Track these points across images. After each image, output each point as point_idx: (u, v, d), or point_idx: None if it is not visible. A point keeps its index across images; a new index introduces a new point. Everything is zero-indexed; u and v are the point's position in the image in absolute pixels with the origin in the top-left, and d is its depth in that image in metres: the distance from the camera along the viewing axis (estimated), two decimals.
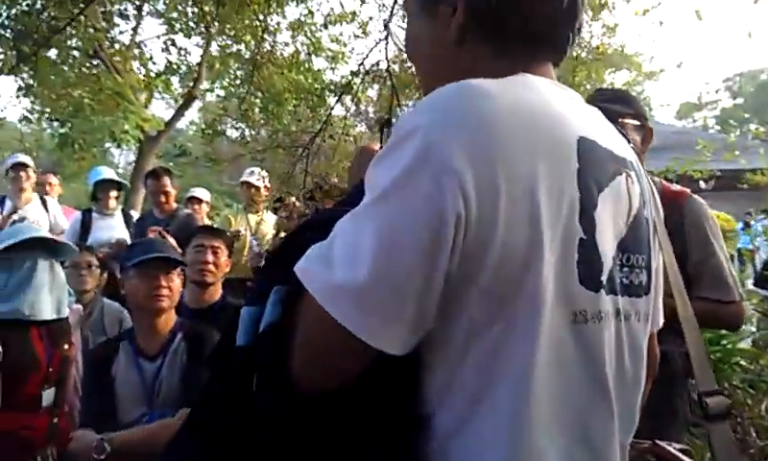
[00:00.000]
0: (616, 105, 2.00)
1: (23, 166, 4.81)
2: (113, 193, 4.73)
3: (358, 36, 7.99)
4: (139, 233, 4.41)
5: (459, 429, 0.74)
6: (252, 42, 5.87)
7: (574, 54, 5.03)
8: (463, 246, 0.69)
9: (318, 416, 0.73)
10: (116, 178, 4.89)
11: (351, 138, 5.09)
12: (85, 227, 4.58)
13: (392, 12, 4.20)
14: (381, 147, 1.07)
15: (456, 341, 0.73)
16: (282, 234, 4.47)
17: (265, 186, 5.11)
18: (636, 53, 18.02)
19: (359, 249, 0.68)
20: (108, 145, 9.97)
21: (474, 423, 0.73)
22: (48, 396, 2.35)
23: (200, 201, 5.57)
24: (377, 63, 4.62)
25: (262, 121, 5.45)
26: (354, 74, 4.53)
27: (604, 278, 0.79)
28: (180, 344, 2.35)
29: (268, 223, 5.06)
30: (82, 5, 7.53)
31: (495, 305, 0.72)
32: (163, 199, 4.56)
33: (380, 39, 4.20)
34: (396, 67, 4.63)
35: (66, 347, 2.44)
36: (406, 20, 0.96)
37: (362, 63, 4.52)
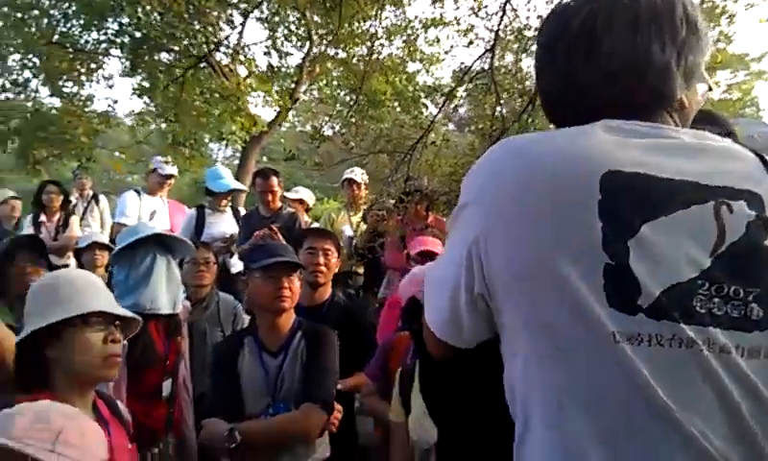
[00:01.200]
0: (699, 125, 1.92)
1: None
2: (229, 195, 5.04)
3: (454, 46, 8.03)
4: (246, 229, 4.64)
5: (521, 440, 0.92)
6: (356, 48, 6.03)
7: None
8: (483, 273, 0.93)
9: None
10: (234, 186, 5.19)
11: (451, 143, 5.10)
12: (199, 223, 4.89)
13: (500, 19, 4.19)
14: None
15: (505, 353, 0.96)
16: (372, 234, 4.56)
17: (366, 184, 5.22)
18: (745, 53, 16.93)
19: (429, 296, 1.13)
20: (207, 142, 10.55)
21: (526, 436, 0.90)
22: (167, 386, 2.50)
23: (302, 201, 5.78)
24: (482, 69, 4.62)
25: (364, 125, 5.59)
26: (459, 81, 4.55)
27: (643, 302, 0.81)
28: (300, 342, 2.46)
29: (359, 221, 5.19)
30: (192, 12, 8.02)
31: (518, 333, 0.91)
32: (270, 198, 4.77)
33: (487, 49, 4.20)
34: (503, 72, 4.62)
35: (179, 339, 2.61)
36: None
37: (467, 71, 4.54)
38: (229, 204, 5.19)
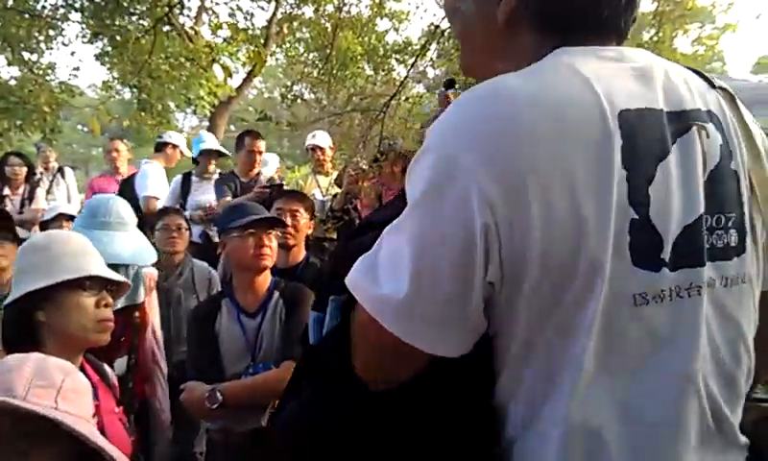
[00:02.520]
0: None
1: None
2: (213, 159, 4.96)
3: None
4: (220, 193, 4.58)
5: (526, 427, 0.79)
6: (324, 6, 5.90)
7: (660, 9, 4.81)
8: (501, 255, 0.72)
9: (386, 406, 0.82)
10: (219, 147, 5.10)
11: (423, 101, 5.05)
12: (185, 189, 4.82)
13: None
14: (442, 108, 1.09)
15: (514, 346, 0.78)
16: (347, 196, 4.54)
17: (330, 147, 5.18)
18: (713, 3, 17.01)
19: (398, 260, 0.74)
20: (172, 110, 10.32)
21: (537, 422, 0.78)
22: (120, 364, 2.42)
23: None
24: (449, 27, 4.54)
25: (336, 85, 5.50)
26: (431, 36, 4.48)
27: (665, 254, 0.76)
28: (277, 301, 2.46)
29: (331, 182, 5.13)
30: None
31: (547, 308, 0.74)
32: (257, 159, 4.72)
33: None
34: None
35: (137, 314, 2.57)
36: None
37: (437, 26, 4.48)
38: (217, 171, 5.09)
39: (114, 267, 2.19)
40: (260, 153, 4.74)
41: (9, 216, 2.54)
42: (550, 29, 0.85)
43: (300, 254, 3.15)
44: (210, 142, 5.08)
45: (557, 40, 0.83)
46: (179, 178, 5.03)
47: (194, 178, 4.93)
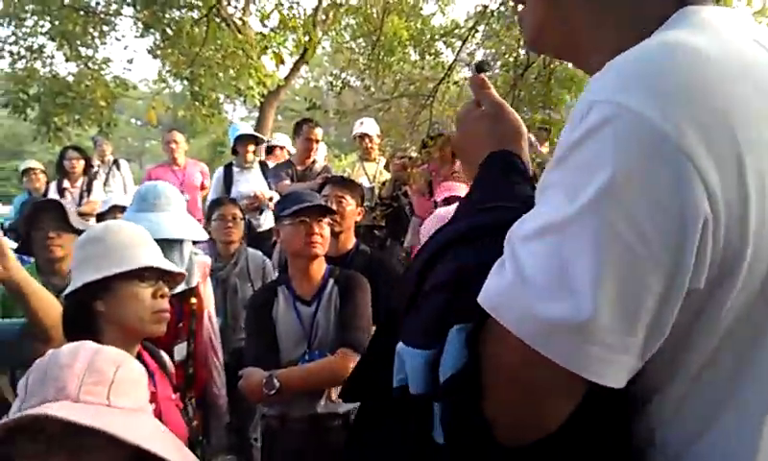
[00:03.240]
0: None
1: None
2: (251, 147, 5.03)
3: None
4: (277, 179, 4.67)
5: (694, 441, 0.66)
6: None
7: None
8: (711, 256, 0.57)
9: None
10: (253, 132, 5.18)
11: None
12: (228, 181, 4.92)
13: None
14: (477, 95, 0.92)
15: (696, 359, 0.64)
16: (396, 183, 4.51)
17: (378, 134, 5.17)
18: None
19: (571, 273, 0.57)
20: (222, 102, 10.48)
21: (714, 432, 0.65)
22: (180, 350, 2.49)
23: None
24: (498, 8, 4.45)
25: (383, 71, 5.48)
26: (480, 16, 4.39)
27: None
28: (332, 288, 2.46)
29: (381, 170, 5.15)
30: None
31: (745, 309, 0.61)
32: (314, 147, 4.78)
33: None
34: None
35: (194, 301, 2.61)
36: None
37: (486, 6, 4.38)
38: (257, 159, 5.17)
39: (167, 247, 2.24)
40: (317, 141, 4.79)
41: (63, 207, 2.62)
42: None
43: (350, 241, 3.13)
44: (245, 128, 5.16)
45: (652, 4, 0.70)
46: (220, 170, 5.14)
47: (235, 168, 5.02)
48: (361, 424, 0.83)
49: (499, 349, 0.62)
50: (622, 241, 0.55)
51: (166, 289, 1.81)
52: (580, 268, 0.56)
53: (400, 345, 0.70)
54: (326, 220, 2.49)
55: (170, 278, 1.87)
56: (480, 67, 0.97)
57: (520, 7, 0.82)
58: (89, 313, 1.68)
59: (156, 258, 1.80)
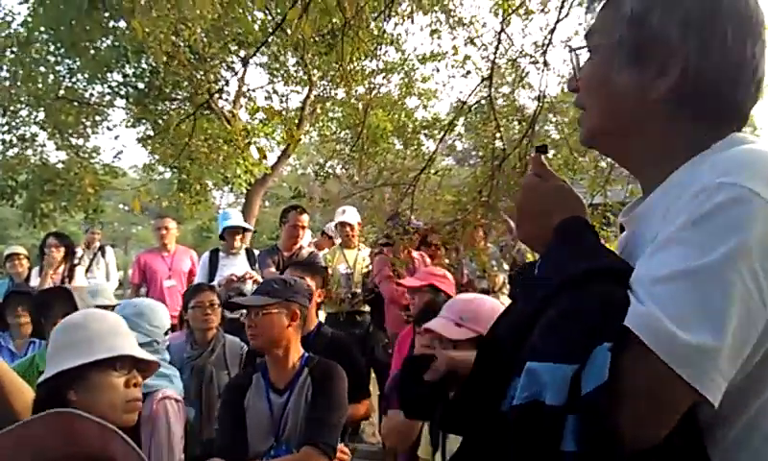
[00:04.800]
0: None
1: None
2: (239, 235, 5.07)
3: (452, 76, 8.15)
4: (265, 266, 4.67)
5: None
6: (355, 87, 6.14)
7: None
8: None
9: None
10: (244, 224, 5.23)
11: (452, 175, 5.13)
12: (213, 266, 4.92)
13: (496, 48, 4.25)
14: (536, 172, 1.03)
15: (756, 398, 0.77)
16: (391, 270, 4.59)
17: (358, 223, 5.28)
18: None
19: (707, 308, 0.71)
20: (210, 188, 10.70)
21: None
22: None
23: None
24: (479, 102, 4.67)
25: (366, 161, 5.66)
26: (459, 110, 4.59)
27: None
28: (306, 379, 2.41)
29: (364, 257, 5.22)
30: (194, 60, 8.21)
31: None
32: (300, 233, 4.83)
33: (484, 77, 4.25)
34: (499, 102, 4.67)
35: None
36: (591, 60, 0.96)
37: (464, 102, 4.59)
38: (243, 246, 5.20)
39: None
40: (303, 227, 4.84)
41: (69, 292, 2.71)
42: (707, 116, 0.87)
43: (312, 322, 3.14)
44: (235, 219, 5.20)
45: (710, 128, 0.87)
46: (206, 255, 5.16)
47: (221, 254, 5.04)
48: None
49: (640, 367, 0.72)
50: (746, 290, 0.71)
51: (139, 378, 1.77)
52: (714, 305, 0.71)
53: (534, 364, 0.77)
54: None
55: (144, 366, 1.85)
56: (541, 149, 1.07)
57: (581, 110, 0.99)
58: (61, 402, 1.64)
59: (132, 347, 1.78)
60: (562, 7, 4.01)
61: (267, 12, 7.00)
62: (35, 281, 5.52)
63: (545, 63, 4.21)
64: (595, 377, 0.72)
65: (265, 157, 8.24)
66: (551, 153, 5.51)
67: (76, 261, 5.93)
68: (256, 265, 4.95)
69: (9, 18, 9.28)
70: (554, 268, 0.88)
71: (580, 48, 0.98)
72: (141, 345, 2.25)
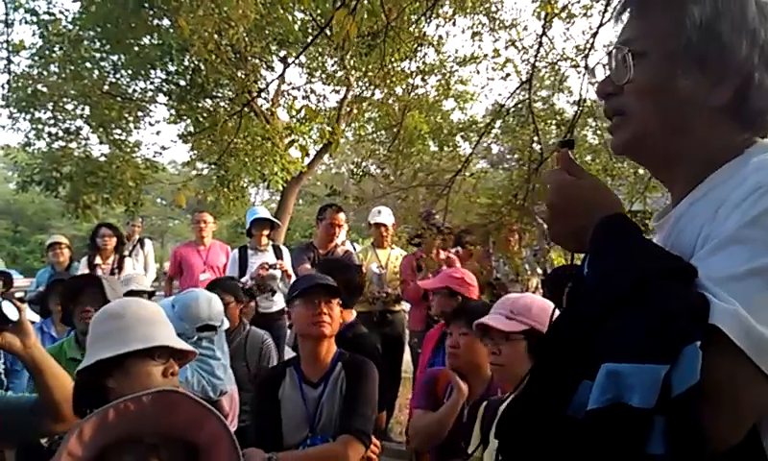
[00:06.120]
0: None
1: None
2: (266, 231, 5.14)
3: (491, 79, 8.11)
4: (298, 262, 4.75)
5: None
6: (395, 88, 6.17)
7: None
8: None
9: None
10: (270, 217, 5.31)
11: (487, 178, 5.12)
12: (242, 262, 5.01)
13: (537, 51, 4.22)
14: (559, 167, 1.01)
15: None
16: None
17: (393, 225, 5.30)
18: None
19: None
20: (246, 185, 10.85)
21: None
22: None
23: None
24: (516, 105, 4.64)
25: (402, 162, 5.68)
26: (497, 113, 4.57)
27: None
28: (340, 372, 2.44)
29: (397, 256, 5.29)
30: (236, 59, 8.36)
31: None
32: (336, 231, 4.86)
33: (524, 80, 4.23)
34: (537, 105, 4.63)
35: None
36: (643, 64, 0.95)
37: (502, 105, 4.57)
38: (270, 242, 5.28)
39: None
40: (340, 226, 4.87)
41: (100, 281, 2.76)
42: (751, 125, 0.92)
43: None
44: (262, 212, 5.29)
45: (741, 134, 0.91)
46: (236, 252, 5.27)
47: (250, 251, 5.14)
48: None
49: (729, 367, 0.71)
50: None
51: (176, 367, 1.80)
52: None
53: (616, 365, 0.74)
54: (336, 301, 2.51)
55: (181, 356, 1.89)
56: (567, 144, 1.05)
57: (615, 117, 0.99)
58: (100, 389, 1.68)
59: (170, 337, 1.81)
60: (605, 10, 3.97)
61: (308, 12, 7.09)
62: (83, 271, 5.70)
63: (587, 67, 4.16)
64: (686, 378, 0.71)
65: (307, 153, 8.34)
66: (588, 158, 5.44)
67: (126, 252, 6.11)
68: (284, 261, 5.03)
69: (60, 16, 9.58)
70: (611, 270, 0.85)
71: (627, 51, 0.95)
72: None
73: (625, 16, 1.00)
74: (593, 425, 0.74)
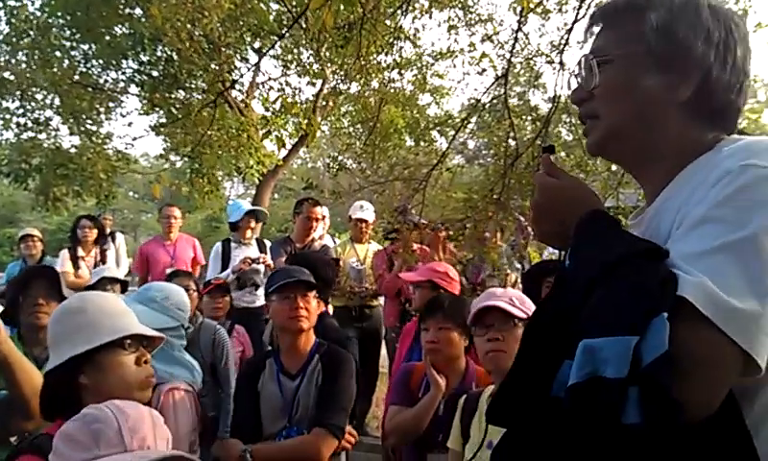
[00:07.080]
0: None
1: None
2: (252, 224, 5.09)
3: (467, 73, 8.15)
4: (276, 255, 4.72)
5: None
6: (371, 82, 6.14)
7: None
8: None
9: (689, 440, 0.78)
10: (258, 207, 5.27)
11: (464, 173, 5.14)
12: (225, 256, 4.96)
13: (513, 46, 4.25)
14: (542, 171, 1.07)
15: None
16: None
17: (373, 221, 5.30)
18: (754, 77, 16.93)
19: (751, 276, 0.77)
20: (221, 178, 10.74)
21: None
22: None
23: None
24: (492, 100, 4.67)
25: (380, 155, 5.66)
26: (473, 108, 4.59)
27: None
28: (317, 364, 2.46)
29: (373, 252, 5.26)
30: (209, 50, 8.24)
31: None
32: (313, 225, 4.81)
33: (499, 75, 4.25)
34: (513, 101, 4.66)
35: None
36: (610, 69, 1.01)
37: (478, 100, 4.59)
38: (255, 235, 5.23)
39: None
40: (317, 220, 4.83)
41: (57, 275, 2.62)
42: (716, 119, 0.98)
43: None
44: (248, 205, 5.26)
45: (716, 130, 0.97)
46: (218, 245, 5.19)
47: (233, 244, 5.08)
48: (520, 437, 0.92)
49: (697, 335, 0.75)
50: None
51: (148, 355, 1.78)
52: (755, 274, 0.76)
53: (592, 340, 0.77)
54: (312, 294, 2.51)
55: (149, 342, 1.85)
56: (548, 149, 1.12)
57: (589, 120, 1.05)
58: (72, 387, 1.64)
59: (138, 325, 1.78)
60: (580, 7, 4.01)
61: (283, 3, 7.02)
62: (65, 263, 5.60)
63: (561, 64, 4.20)
64: (655, 348, 0.74)
65: (284, 145, 8.27)
66: (563, 154, 5.50)
67: (106, 246, 5.99)
68: (267, 255, 4.99)
69: (27, 0, 9.32)
70: (590, 257, 0.90)
71: (593, 58, 1.02)
72: (168, 329, 2.30)
73: (595, 29, 1.07)
74: (573, 400, 0.78)
